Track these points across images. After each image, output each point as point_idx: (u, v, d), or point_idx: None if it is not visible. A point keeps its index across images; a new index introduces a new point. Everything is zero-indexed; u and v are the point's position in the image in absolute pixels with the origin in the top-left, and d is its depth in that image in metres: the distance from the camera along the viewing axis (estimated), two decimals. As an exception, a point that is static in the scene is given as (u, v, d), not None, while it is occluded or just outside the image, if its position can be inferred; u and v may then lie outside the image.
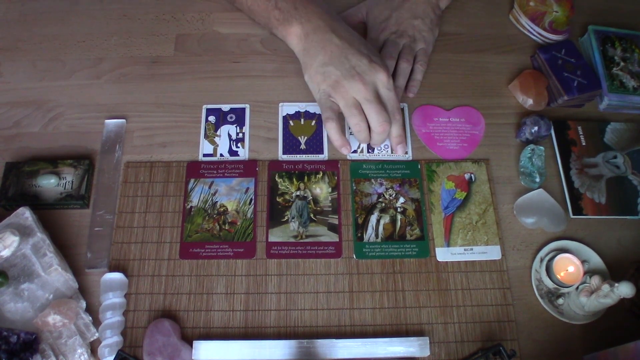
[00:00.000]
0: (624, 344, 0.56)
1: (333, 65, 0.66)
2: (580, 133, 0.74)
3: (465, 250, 0.66)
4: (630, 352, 0.55)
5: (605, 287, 0.59)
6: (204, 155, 0.71)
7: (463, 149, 0.73)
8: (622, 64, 0.78)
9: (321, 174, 0.70)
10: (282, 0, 0.70)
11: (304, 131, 0.73)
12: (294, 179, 0.69)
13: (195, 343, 0.59)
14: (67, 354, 0.57)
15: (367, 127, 0.67)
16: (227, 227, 0.66)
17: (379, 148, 0.72)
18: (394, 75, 0.73)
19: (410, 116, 0.75)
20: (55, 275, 0.60)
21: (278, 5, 0.70)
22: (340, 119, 0.68)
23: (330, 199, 0.69)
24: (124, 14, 0.81)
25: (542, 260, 0.65)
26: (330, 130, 0.67)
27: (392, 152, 0.71)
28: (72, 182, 0.67)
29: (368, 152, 0.72)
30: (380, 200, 0.69)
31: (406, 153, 0.71)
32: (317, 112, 0.74)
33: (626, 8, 0.86)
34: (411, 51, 0.75)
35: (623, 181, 0.72)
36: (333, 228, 0.67)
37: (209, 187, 0.68)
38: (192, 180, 0.69)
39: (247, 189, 0.69)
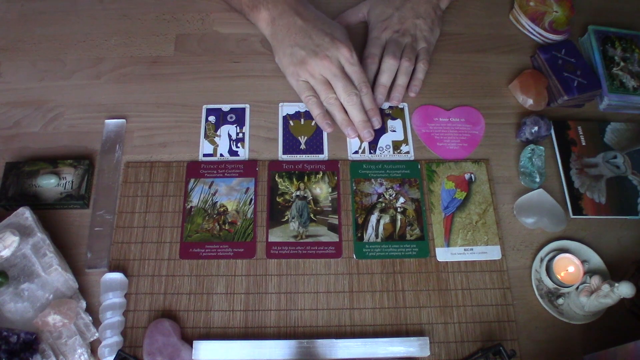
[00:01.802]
0: (624, 344, 0.56)
1: (298, 45, 0.69)
2: (580, 133, 0.74)
3: (465, 250, 0.66)
4: (630, 352, 0.55)
5: (605, 287, 0.59)
6: (204, 155, 0.71)
7: (463, 149, 0.73)
8: (622, 64, 0.78)
9: (321, 174, 0.70)
10: None
11: (304, 131, 0.73)
12: (294, 179, 0.69)
13: (195, 343, 0.59)
14: (67, 354, 0.57)
15: (338, 101, 0.70)
16: (227, 227, 0.66)
17: (381, 148, 0.72)
18: (396, 74, 0.74)
19: (411, 116, 0.75)
20: (55, 275, 0.60)
21: None
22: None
23: (330, 199, 0.69)
24: (124, 14, 0.81)
25: (542, 260, 0.65)
26: (311, 104, 0.70)
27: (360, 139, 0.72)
28: (72, 182, 0.67)
29: (370, 152, 0.72)
30: (380, 200, 0.69)
31: (380, 125, 0.72)
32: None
33: (626, 8, 0.86)
34: (413, 50, 0.75)
35: (623, 181, 0.72)
36: (333, 228, 0.67)
37: (209, 187, 0.68)
38: (192, 180, 0.69)
39: (247, 189, 0.69)
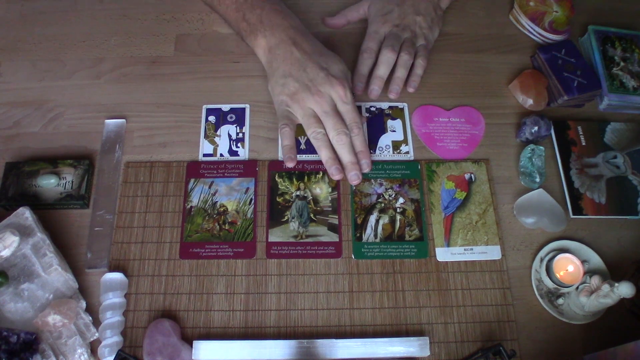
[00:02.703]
0: (624, 344, 0.56)
1: (292, 77, 0.68)
2: (580, 133, 0.74)
3: (465, 250, 0.66)
4: (630, 352, 0.55)
5: (605, 287, 0.59)
6: (204, 155, 0.71)
7: (463, 149, 0.73)
8: (622, 64, 0.78)
9: (321, 174, 0.70)
10: (249, 12, 0.71)
11: (304, 131, 0.73)
12: (294, 179, 0.69)
13: (195, 343, 0.59)
14: (67, 354, 0.57)
15: (325, 137, 0.68)
16: (227, 227, 0.66)
17: (380, 148, 0.72)
18: (394, 67, 0.73)
19: (410, 116, 0.75)
20: (55, 275, 0.60)
21: (246, 18, 0.72)
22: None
23: (330, 199, 0.69)
24: (124, 14, 0.81)
25: (542, 260, 0.65)
26: (284, 135, 0.68)
27: (349, 175, 0.69)
28: (72, 182, 0.67)
29: (370, 152, 0.72)
30: (379, 200, 0.69)
31: (370, 169, 0.69)
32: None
33: (626, 8, 0.86)
34: (412, 45, 0.74)
35: (623, 181, 0.72)
36: (333, 228, 0.67)
37: (209, 187, 0.68)
38: (192, 180, 0.69)
39: (247, 189, 0.69)
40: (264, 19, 0.70)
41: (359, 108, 0.74)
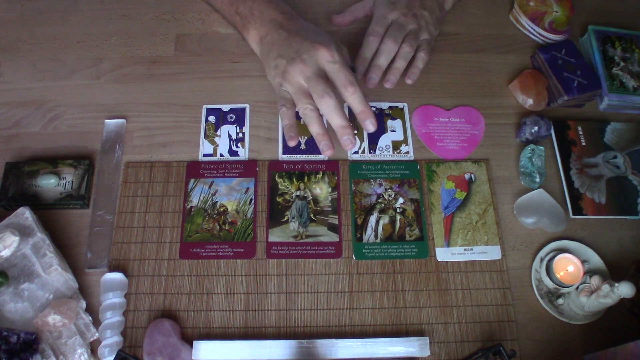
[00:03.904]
0: (624, 344, 0.56)
1: (280, 56, 0.66)
2: (580, 133, 0.74)
3: (465, 250, 0.66)
4: (630, 352, 0.55)
5: (605, 287, 0.59)
6: (204, 155, 0.71)
7: (463, 149, 0.73)
8: (622, 64, 0.78)
9: (321, 174, 0.70)
10: (242, 5, 0.72)
11: (304, 131, 0.73)
12: (294, 179, 0.69)
13: (195, 343, 0.59)
14: (67, 354, 0.57)
15: (314, 111, 0.64)
16: (227, 227, 0.66)
17: (380, 148, 0.72)
18: (394, 58, 0.71)
19: (410, 116, 0.75)
20: (55, 275, 0.60)
21: (238, 11, 0.72)
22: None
23: (330, 199, 0.69)
24: (124, 14, 0.81)
25: (542, 260, 0.65)
26: (282, 115, 0.66)
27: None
28: (72, 182, 0.67)
29: (369, 152, 0.72)
30: (379, 200, 0.69)
31: (376, 127, 0.65)
32: (317, 112, 0.74)
33: (626, 8, 0.86)
34: (416, 38, 0.72)
35: (623, 181, 0.72)
36: (333, 228, 0.67)
37: (209, 187, 0.68)
38: (192, 180, 0.69)
39: (247, 189, 0.69)
40: (255, 11, 0.70)
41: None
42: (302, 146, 0.72)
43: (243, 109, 0.74)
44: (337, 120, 0.64)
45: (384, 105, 0.75)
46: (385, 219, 0.68)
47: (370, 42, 0.71)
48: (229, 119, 0.73)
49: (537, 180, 0.70)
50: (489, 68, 0.79)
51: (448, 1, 0.80)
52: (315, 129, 0.65)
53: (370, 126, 0.64)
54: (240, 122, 0.73)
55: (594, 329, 0.63)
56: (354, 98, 0.63)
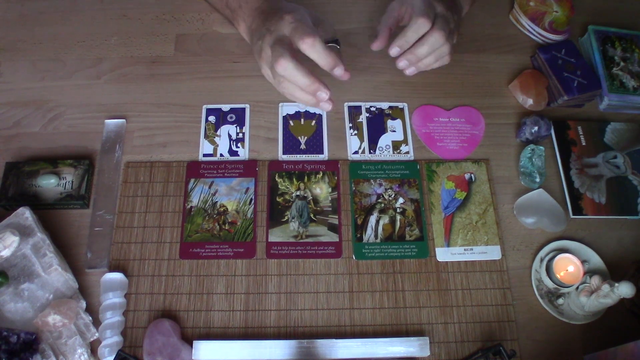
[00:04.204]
0: (624, 344, 0.56)
1: (258, 38, 0.64)
2: (580, 133, 0.74)
3: (465, 250, 0.66)
4: (630, 352, 0.55)
5: (605, 287, 0.59)
6: (204, 155, 0.71)
7: (463, 149, 0.73)
8: (622, 64, 0.78)
9: (321, 174, 0.70)
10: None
11: (304, 131, 0.73)
12: (294, 179, 0.69)
13: (195, 343, 0.59)
14: (67, 354, 0.57)
15: (289, 83, 0.62)
16: (227, 227, 0.66)
17: (380, 148, 0.72)
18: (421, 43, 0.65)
19: (410, 116, 0.75)
20: (55, 275, 0.60)
21: (228, 5, 0.73)
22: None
23: (330, 199, 0.69)
24: (124, 14, 0.81)
25: (542, 260, 0.65)
26: (284, 89, 0.63)
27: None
28: (72, 182, 0.67)
29: (369, 152, 0.72)
30: (379, 200, 0.69)
31: (344, 75, 0.61)
32: (317, 112, 0.74)
33: (626, 8, 0.86)
34: (451, 39, 0.67)
35: (623, 181, 0.72)
36: (333, 228, 0.67)
37: (209, 187, 0.68)
38: (192, 180, 0.69)
39: (247, 189, 0.69)
40: (242, 4, 0.71)
41: (359, 108, 0.74)
42: (302, 146, 0.72)
43: (243, 109, 0.74)
44: (302, 80, 0.60)
45: (384, 105, 0.75)
46: (385, 219, 0.68)
47: (421, 25, 0.63)
48: (229, 119, 0.73)
49: (537, 180, 0.70)
50: (489, 68, 0.79)
51: (459, 29, 0.73)
52: (298, 94, 0.61)
53: (339, 71, 0.60)
54: (240, 122, 0.73)
55: (594, 329, 0.63)
56: (313, 50, 0.59)
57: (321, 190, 0.69)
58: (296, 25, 0.59)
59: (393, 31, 0.69)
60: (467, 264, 0.66)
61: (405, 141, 0.73)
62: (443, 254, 0.66)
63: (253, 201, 0.68)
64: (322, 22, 0.66)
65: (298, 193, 0.69)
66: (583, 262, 0.62)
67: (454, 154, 0.72)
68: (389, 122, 0.74)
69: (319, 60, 0.60)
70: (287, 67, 0.59)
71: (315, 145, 0.72)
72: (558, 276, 0.62)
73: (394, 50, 0.66)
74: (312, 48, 0.58)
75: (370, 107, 0.75)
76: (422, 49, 0.65)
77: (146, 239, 0.66)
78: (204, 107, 0.74)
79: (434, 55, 0.67)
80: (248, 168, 0.70)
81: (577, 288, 0.62)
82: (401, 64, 0.67)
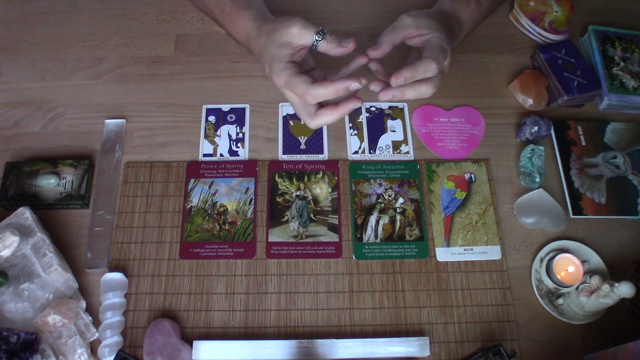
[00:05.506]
0: (624, 344, 0.56)
1: (270, 72, 0.63)
2: (580, 133, 0.74)
3: (465, 250, 0.66)
4: (630, 352, 0.55)
5: (605, 287, 0.59)
6: (204, 155, 0.71)
7: (463, 149, 0.73)
8: (622, 64, 0.78)
9: (321, 174, 0.70)
10: (218, 8, 0.71)
11: (304, 131, 0.73)
12: (294, 179, 0.69)
13: (195, 343, 0.59)
14: (67, 354, 0.57)
15: (316, 105, 0.63)
16: (227, 227, 0.66)
17: (380, 148, 0.72)
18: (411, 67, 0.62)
19: (410, 116, 0.75)
20: (55, 275, 0.60)
21: (223, 21, 0.72)
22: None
23: (330, 199, 0.69)
24: (124, 14, 0.81)
25: (542, 260, 0.65)
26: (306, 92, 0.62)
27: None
28: (72, 182, 0.67)
29: (369, 152, 0.72)
30: (379, 200, 0.69)
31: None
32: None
33: (626, 8, 0.86)
34: (443, 67, 0.64)
35: (623, 181, 0.72)
36: (333, 228, 0.67)
37: (209, 187, 0.68)
38: (192, 180, 0.69)
39: (247, 189, 0.69)
40: (234, 22, 0.70)
41: (359, 108, 0.74)
42: (302, 146, 0.72)
43: (243, 109, 0.74)
44: (327, 91, 0.60)
45: (384, 105, 0.75)
46: (385, 219, 0.68)
47: (429, 71, 0.62)
48: (229, 119, 0.73)
49: (537, 180, 0.70)
50: (489, 68, 0.79)
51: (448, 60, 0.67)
52: (330, 93, 0.60)
53: (354, 85, 0.60)
54: (240, 122, 0.73)
55: (594, 329, 0.63)
56: (318, 99, 0.61)
57: (321, 190, 0.69)
58: (285, 91, 0.63)
59: (396, 47, 0.67)
60: (467, 264, 0.66)
61: (405, 141, 0.73)
62: (443, 254, 0.66)
63: (253, 201, 0.68)
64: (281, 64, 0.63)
65: (298, 193, 0.69)
66: (583, 262, 0.62)
67: (454, 154, 0.72)
68: (389, 122, 0.74)
69: (329, 97, 0.61)
70: (316, 96, 0.60)
71: (315, 145, 0.72)
72: (558, 276, 0.62)
73: (399, 81, 0.62)
74: (316, 99, 0.61)
75: (370, 107, 0.75)
76: (410, 93, 0.63)
77: (146, 239, 0.66)
78: (204, 107, 0.74)
79: (413, 90, 0.63)
80: (248, 168, 0.70)
81: (577, 288, 0.62)
82: (385, 97, 0.63)
